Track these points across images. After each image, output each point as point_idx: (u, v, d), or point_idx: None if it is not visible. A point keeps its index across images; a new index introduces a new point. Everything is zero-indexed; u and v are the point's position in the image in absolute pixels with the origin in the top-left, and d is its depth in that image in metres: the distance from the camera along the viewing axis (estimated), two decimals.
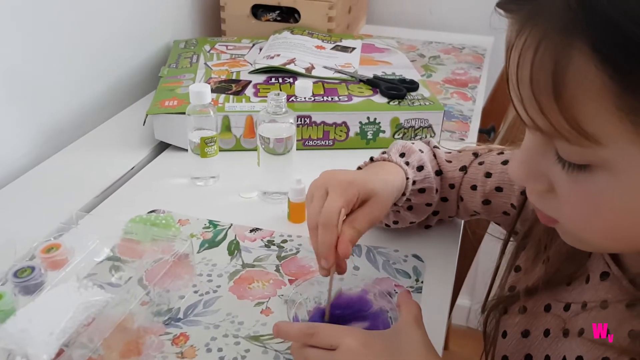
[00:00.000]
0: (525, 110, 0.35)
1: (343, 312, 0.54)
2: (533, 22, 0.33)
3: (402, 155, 0.65)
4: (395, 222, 0.68)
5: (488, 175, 0.64)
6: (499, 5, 0.36)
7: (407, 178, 0.62)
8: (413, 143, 0.67)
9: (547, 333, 0.48)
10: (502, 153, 0.65)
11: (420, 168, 0.64)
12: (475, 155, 0.67)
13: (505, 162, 0.63)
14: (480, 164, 0.65)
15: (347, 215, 0.54)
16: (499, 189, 0.63)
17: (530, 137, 0.39)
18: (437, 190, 0.65)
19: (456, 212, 0.68)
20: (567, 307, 0.48)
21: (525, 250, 0.54)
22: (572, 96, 0.32)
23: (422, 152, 0.66)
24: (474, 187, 0.65)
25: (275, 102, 0.72)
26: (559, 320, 0.48)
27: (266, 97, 0.91)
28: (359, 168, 0.66)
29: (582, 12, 0.31)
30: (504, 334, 0.53)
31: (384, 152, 0.66)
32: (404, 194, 0.62)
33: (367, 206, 0.56)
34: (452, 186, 0.66)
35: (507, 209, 0.63)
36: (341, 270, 0.55)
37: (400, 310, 0.50)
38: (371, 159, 0.66)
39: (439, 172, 0.66)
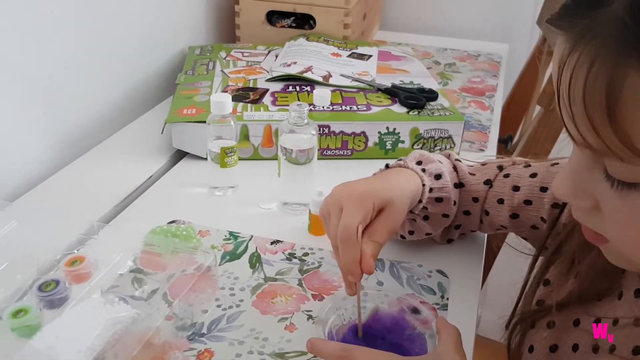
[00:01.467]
0: (576, 127, 0.35)
1: (379, 331, 0.54)
2: (587, 40, 0.32)
3: (419, 163, 0.64)
4: (411, 233, 0.67)
5: (516, 188, 0.63)
6: (549, 21, 0.35)
7: (424, 185, 0.61)
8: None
9: (575, 348, 0.48)
10: (528, 166, 0.64)
11: (438, 177, 0.63)
12: (500, 168, 0.66)
13: (533, 175, 0.62)
14: (506, 176, 0.64)
15: (366, 227, 0.54)
16: (528, 202, 0.62)
17: (577, 154, 0.38)
18: (455, 202, 0.64)
19: (479, 226, 0.68)
20: (597, 322, 0.47)
21: (556, 265, 0.53)
22: (627, 115, 0.32)
23: (441, 162, 0.65)
24: (500, 201, 0.64)
25: (297, 113, 0.71)
26: (588, 336, 0.47)
27: (284, 105, 0.90)
28: (374, 174, 0.65)
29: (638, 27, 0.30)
30: (531, 349, 0.52)
31: (400, 159, 0.65)
32: (420, 201, 0.61)
33: (384, 216, 0.54)
34: (475, 200, 0.65)
35: (537, 223, 0.62)
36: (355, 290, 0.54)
37: (440, 334, 0.49)
38: (386, 166, 0.65)
39: (458, 185, 0.65)
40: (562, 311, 0.50)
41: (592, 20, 0.32)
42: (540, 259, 0.57)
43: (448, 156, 0.68)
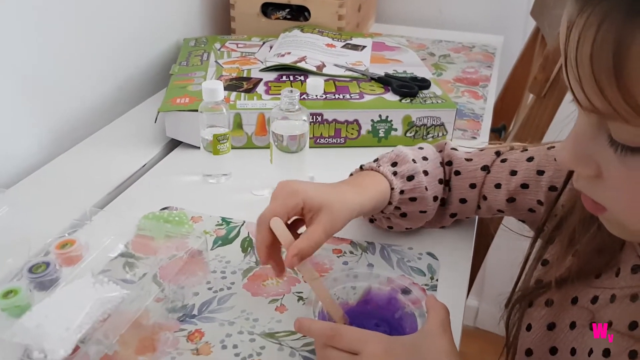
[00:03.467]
0: (582, 90, 0.35)
1: (370, 310, 0.54)
2: (596, 1, 0.33)
3: (395, 164, 0.65)
4: (390, 227, 0.68)
5: (513, 173, 0.63)
6: None
7: (392, 188, 0.63)
8: (421, 148, 0.68)
9: (573, 325, 0.48)
10: (525, 150, 0.65)
11: (410, 178, 0.64)
12: (498, 153, 0.66)
13: (530, 159, 0.63)
14: (503, 161, 0.65)
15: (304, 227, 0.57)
16: (524, 186, 0.63)
17: (582, 120, 0.38)
18: (436, 198, 0.65)
19: (476, 211, 0.68)
20: (594, 300, 0.47)
21: (554, 244, 0.54)
22: (633, 75, 0.32)
23: (416, 162, 0.65)
24: (498, 186, 0.64)
25: (289, 99, 0.72)
26: (586, 313, 0.47)
27: (278, 95, 0.91)
28: (351, 175, 0.67)
29: None
30: (529, 327, 0.53)
31: (376, 160, 0.67)
32: (390, 203, 0.63)
33: (318, 219, 0.55)
34: (473, 186, 0.66)
35: (533, 206, 0.63)
36: (278, 273, 0.58)
37: (429, 313, 0.49)
38: (361, 167, 0.66)
39: (444, 181, 0.66)
40: (560, 288, 0.50)
41: None
42: (540, 240, 0.57)
43: (442, 149, 0.69)
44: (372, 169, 0.65)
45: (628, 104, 0.33)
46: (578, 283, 0.49)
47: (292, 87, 0.94)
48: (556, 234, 0.53)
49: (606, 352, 0.43)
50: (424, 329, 0.48)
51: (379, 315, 0.55)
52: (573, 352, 0.47)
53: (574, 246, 0.50)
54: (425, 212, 0.66)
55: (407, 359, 0.45)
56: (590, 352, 0.45)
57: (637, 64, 0.32)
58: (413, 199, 0.64)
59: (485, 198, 0.66)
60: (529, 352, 0.52)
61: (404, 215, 0.66)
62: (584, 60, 0.34)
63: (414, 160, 0.65)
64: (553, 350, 0.49)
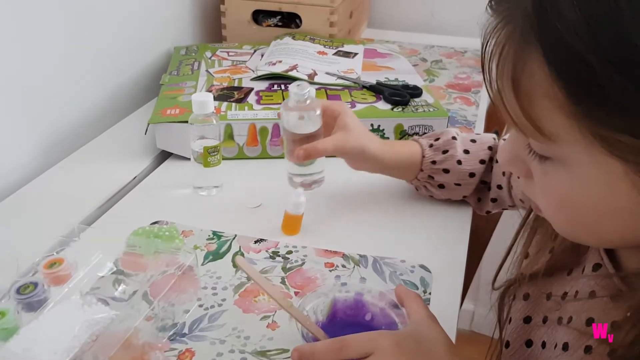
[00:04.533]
0: (494, 103, 0.38)
1: (342, 320, 0.54)
2: (504, 24, 0.36)
3: (437, 139, 0.73)
4: (431, 196, 0.76)
5: None
6: (489, 2, 0.38)
7: (424, 156, 0.72)
8: (478, 134, 0.76)
9: (545, 320, 0.49)
10: None
11: (445, 151, 0.72)
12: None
13: None
14: None
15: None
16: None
17: None
18: (473, 175, 0.72)
19: (511, 200, 0.72)
20: (564, 296, 0.48)
21: (535, 237, 0.54)
22: (529, 97, 0.35)
23: (456, 139, 0.73)
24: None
25: (297, 96, 0.68)
26: (556, 308, 0.49)
27: (269, 104, 0.90)
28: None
29: (537, 21, 0.33)
30: (510, 320, 0.54)
31: (425, 135, 0.76)
32: (422, 170, 0.72)
33: (337, 134, 0.69)
34: (504, 174, 0.71)
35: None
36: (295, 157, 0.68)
37: (406, 304, 0.51)
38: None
39: (486, 162, 0.72)
40: (534, 283, 0.51)
41: (510, 4, 0.36)
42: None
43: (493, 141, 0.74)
44: (413, 140, 0.75)
45: (528, 121, 0.35)
46: (551, 279, 0.50)
47: (283, 96, 0.94)
48: (537, 225, 0.54)
49: (565, 347, 0.44)
50: (415, 320, 0.49)
51: (351, 322, 0.55)
52: (543, 345, 0.48)
53: (552, 242, 0.51)
54: (460, 185, 0.72)
55: (415, 349, 0.46)
56: (555, 346, 0.46)
57: (531, 88, 0.34)
58: (446, 171, 0.71)
59: (512, 187, 0.70)
60: (507, 345, 0.53)
61: (441, 186, 0.73)
62: (492, 77, 0.37)
63: (454, 138, 0.72)
64: (529, 343, 0.50)
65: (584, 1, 0.31)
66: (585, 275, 0.47)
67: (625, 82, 0.31)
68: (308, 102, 0.70)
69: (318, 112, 0.71)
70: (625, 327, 0.38)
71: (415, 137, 0.76)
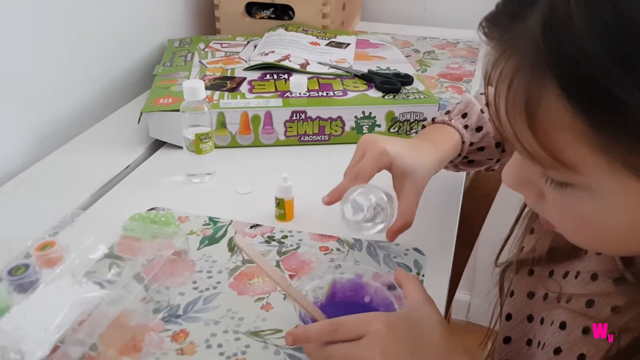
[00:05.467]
0: (507, 138, 0.36)
1: (342, 301, 0.55)
2: (508, 55, 0.33)
3: (465, 115, 0.69)
4: (457, 170, 0.74)
5: None
6: (480, 27, 0.36)
7: (463, 141, 0.68)
8: (482, 94, 0.72)
9: (546, 297, 0.50)
10: None
11: (479, 129, 0.69)
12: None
13: None
14: None
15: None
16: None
17: None
18: (499, 145, 0.70)
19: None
20: (565, 275, 0.49)
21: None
22: (546, 130, 0.33)
23: (483, 112, 0.69)
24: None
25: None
26: (555, 286, 0.49)
27: (261, 93, 0.90)
28: (423, 127, 0.71)
29: (550, 54, 0.31)
30: (512, 293, 0.54)
31: (447, 112, 0.70)
32: (460, 155, 0.68)
33: (405, 189, 0.62)
34: None
35: None
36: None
37: (404, 287, 0.50)
38: (433, 120, 0.70)
39: None
40: (539, 262, 0.52)
41: (512, 34, 0.33)
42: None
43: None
44: (444, 122, 0.69)
45: (547, 153, 0.33)
46: (556, 258, 0.50)
47: (276, 85, 0.94)
48: None
49: (562, 325, 0.45)
50: (411, 302, 0.49)
51: (350, 303, 0.55)
52: (542, 321, 0.49)
53: None
54: (492, 159, 0.71)
55: (408, 331, 0.46)
56: (552, 323, 0.46)
57: (548, 121, 0.32)
58: (481, 149, 0.70)
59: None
60: (508, 317, 0.53)
61: (471, 162, 0.72)
62: (501, 110, 0.35)
63: (481, 110, 0.69)
64: (530, 318, 0.51)
65: (606, 31, 0.29)
66: (588, 257, 0.47)
67: None
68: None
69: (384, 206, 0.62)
70: (625, 316, 0.38)
71: (442, 118, 0.69)
